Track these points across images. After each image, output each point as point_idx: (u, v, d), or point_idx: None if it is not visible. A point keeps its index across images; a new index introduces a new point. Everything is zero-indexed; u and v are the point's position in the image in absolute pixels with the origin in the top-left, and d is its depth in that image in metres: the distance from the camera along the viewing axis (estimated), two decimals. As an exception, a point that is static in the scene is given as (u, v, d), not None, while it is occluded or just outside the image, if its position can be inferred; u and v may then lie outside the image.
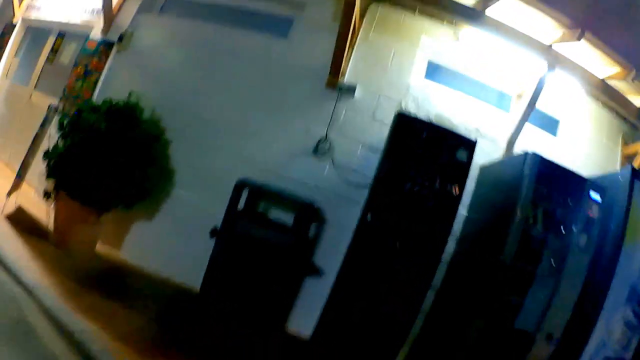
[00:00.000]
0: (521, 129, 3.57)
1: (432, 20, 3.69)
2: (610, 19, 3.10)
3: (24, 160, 3.91)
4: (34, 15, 5.86)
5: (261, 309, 2.90)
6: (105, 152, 3.16)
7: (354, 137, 3.52)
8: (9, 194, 3.82)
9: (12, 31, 5.98)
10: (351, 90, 3.54)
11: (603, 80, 3.67)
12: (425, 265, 2.78)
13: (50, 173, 3.27)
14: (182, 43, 4.08)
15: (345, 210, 3.28)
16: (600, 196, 2.85)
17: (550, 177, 2.81)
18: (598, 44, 3.21)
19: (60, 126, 3.35)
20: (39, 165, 3.56)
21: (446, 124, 3.41)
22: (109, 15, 4.31)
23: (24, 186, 4.01)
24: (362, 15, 3.65)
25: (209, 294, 2.95)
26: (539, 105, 3.54)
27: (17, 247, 3.08)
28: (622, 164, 3.93)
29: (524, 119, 3.53)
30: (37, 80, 5.46)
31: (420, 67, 3.66)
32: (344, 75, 3.59)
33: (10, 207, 3.74)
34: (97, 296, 2.81)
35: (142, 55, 4.21)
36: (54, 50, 5.38)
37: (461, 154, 2.82)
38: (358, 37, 3.65)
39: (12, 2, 5.79)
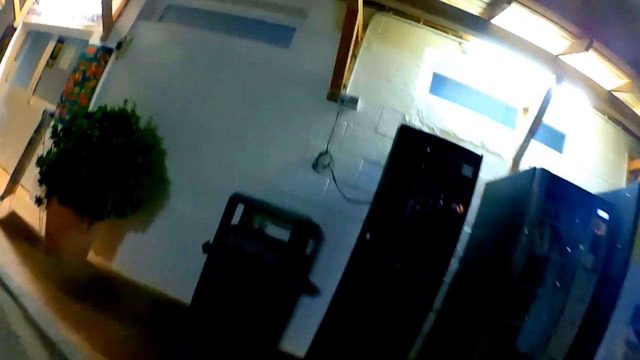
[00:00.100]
0: (528, 144, 3.48)
1: (436, 31, 3.61)
2: (615, 27, 3.05)
3: (18, 165, 3.89)
4: (35, 19, 5.85)
5: (253, 327, 2.79)
6: (98, 160, 3.11)
7: (356, 151, 3.42)
8: (2, 197, 3.79)
9: (13, 34, 5.97)
10: (353, 102, 3.44)
11: (610, 92, 3.58)
12: (427, 286, 2.66)
13: (43, 179, 3.24)
14: (181, 51, 4.01)
15: (345, 227, 3.16)
16: (608, 213, 2.76)
17: (559, 194, 2.73)
18: (606, 53, 3.12)
19: (54, 132, 3.32)
20: (33, 170, 3.51)
21: (451, 138, 3.31)
22: (109, 21, 4.27)
23: (19, 191, 3.98)
24: (365, 25, 3.58)
25: (199, 308, 2.87)
26: (545, 119, 3.45)
27: (7, 251, 3.07)
28: (628, 180, 3.85)
29: (531, 134, 3.44)
30: (36, 84, 5.43)
31: (424, 80, 3.58)
32: (345, 86, 3.50)
33: (4, 211, 3.73)
34: (84, 306, 2.78)
35: (140, 62, 4.16)
36: (54, 56, 5.35)
37: (467, 170, 2.71)
38: (361, 48, 3.57)
39: (13, 5, 5.78)
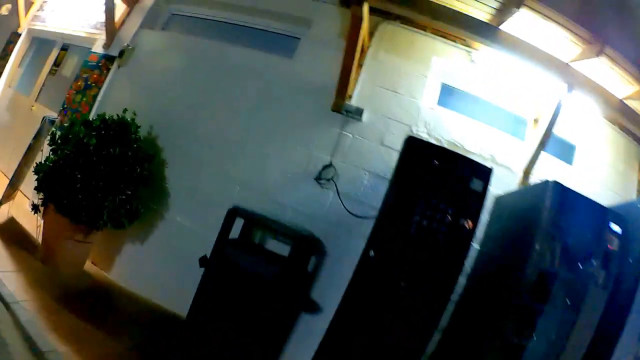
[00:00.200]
0: (538, 156, 3.35)
1: (444, 40, 3.52)
2: (621, 28, 2.95)
3: (17, 171, 3.85)
4: (39, 25, 5.85)
5: (251, 344, 2.69)
6: (95, 168, 3.05)
7: (360, 164, 3.30)
8: (1, 203, 3.74)
9: (18, 40, 5.98)
10: (358, 113, 3.34)
11: (621, 101, 3.44)
12: (433, 304, 2.53)
13: (39, 186, 3.20)
14: (183, 60, 3.96)
15: (349, 243, 3.06)
16: (621, 227, 2.63)
17: (571, 208, 2.59)
18: (617, 58, 2.99)
19: (52, 139, 3.29)
20: (32, 177, 3.45)
21: (459, 151, 3.21)
22: (112, 29, 4.25)
23: (19, 197, 3.97)
24: (371, 34, 3.50)
25: (195, 322, 2.79)
26: (554, 129, 3.33)
27: (2, 258, 3.05)
28: (639, 191, 3.73)
29: (542, 145, 3.32)
30: (39, 91, 5.42)
31: (432, 90, 3.48)
32: (351, 97, 3.40)
33: (2, 217, 3.73)
34: (78, 317, 2.72)
35: (142, 71, 4.11)
36: (57, 63, 5.33)
37: (476, 184, 2.58)
38: (367, 58, 3.49)
39: (18, 11, 5.79)
